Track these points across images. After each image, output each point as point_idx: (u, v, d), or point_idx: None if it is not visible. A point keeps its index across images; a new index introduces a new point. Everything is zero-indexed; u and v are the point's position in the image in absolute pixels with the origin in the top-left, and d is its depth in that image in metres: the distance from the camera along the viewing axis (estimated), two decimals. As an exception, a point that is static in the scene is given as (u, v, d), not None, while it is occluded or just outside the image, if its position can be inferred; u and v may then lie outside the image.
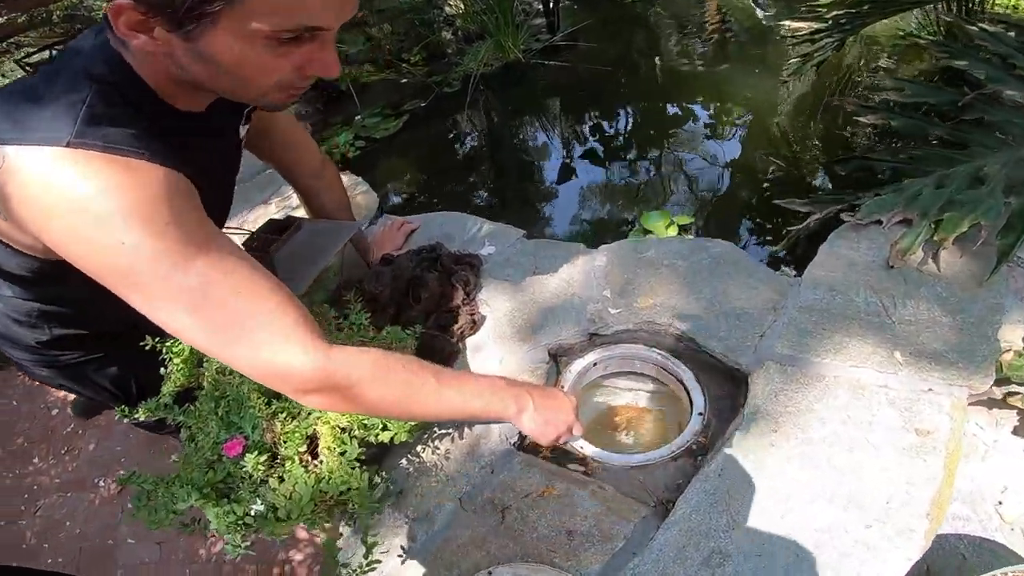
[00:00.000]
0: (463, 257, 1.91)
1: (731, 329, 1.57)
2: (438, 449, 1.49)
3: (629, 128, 3.39)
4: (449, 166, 3.32)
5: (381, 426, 1.26)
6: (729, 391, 1.55)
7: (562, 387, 1.63)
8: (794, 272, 2.04)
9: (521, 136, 3.45)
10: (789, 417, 1.34)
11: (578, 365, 1.68)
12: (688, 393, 1.59)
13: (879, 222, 1.64)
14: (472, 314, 1.74)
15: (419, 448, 1.50)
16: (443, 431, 1.52)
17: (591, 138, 3.35)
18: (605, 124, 3.41)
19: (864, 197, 1.79)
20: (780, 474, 1.25)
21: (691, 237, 2.60)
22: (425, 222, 2.10)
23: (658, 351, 1.68)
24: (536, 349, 1.65)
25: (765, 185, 2.76)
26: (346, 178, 2.57)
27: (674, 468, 1.41)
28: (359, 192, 2.41)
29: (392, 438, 1.26)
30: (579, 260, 1.90)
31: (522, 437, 1.51)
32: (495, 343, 1.70)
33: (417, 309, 1.72)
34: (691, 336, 1.58)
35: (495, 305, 1.80)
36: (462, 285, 1.78)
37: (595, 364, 1.73)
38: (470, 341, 1.72)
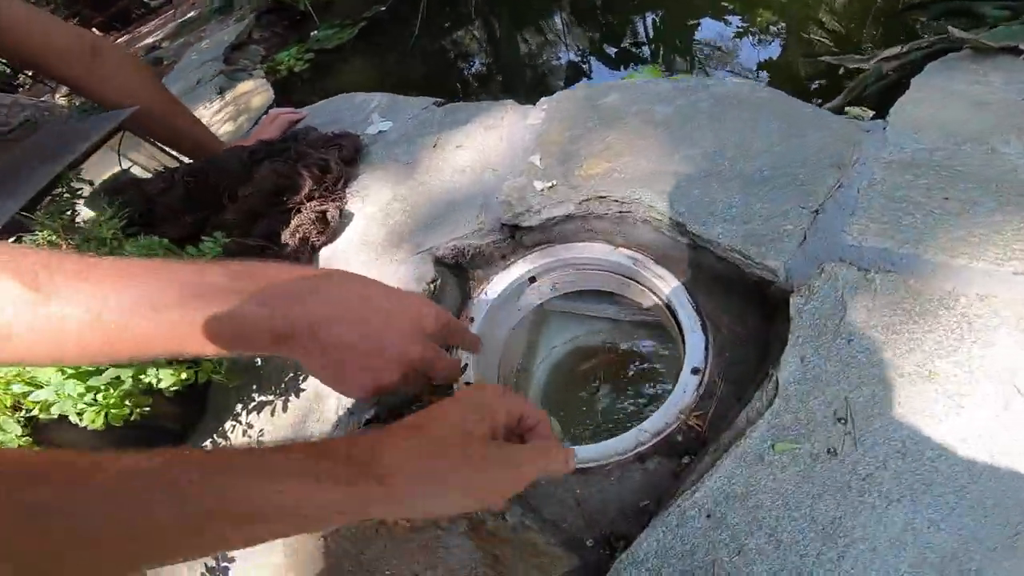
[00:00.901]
0: (331, 139, 1.20)
1: (753, 205, 0.82)
2: (251, 428, 0.86)
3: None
4: (406, 72, 2.57)
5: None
6: (752, 326, 0.82)
7: (469, 318, 0.94)
8: (871, 114, 1.20)
9: (489, 34, 2.54)
10: (883, 389, 0.62)
11: (499, 284, 0.97)
12: (679, 330, 0.87)
13: (1016, 50, 0.98)
14: (321, 211, 1.03)
15: (227, 426, 0.87)
16: (264, 398, 0.87)
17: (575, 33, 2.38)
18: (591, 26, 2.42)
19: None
20: (871, 538, 0.56)
21: (681, 76, 1.74)
22: (315, 110, 1.43)
23: (626, 251, 0.95)
24: (416, 258, 0.94)
25: (807, 39, 1.81)
26: (251, 83, 2.03)
27: (639, 477, 0.73)
28: (257, 93, 1.93)
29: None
30: (504, 122, 1.13)
31: (388, 414, 0.85)
32: (358, 252, 0.99)
33: (233, 211, 1.03)
34: (678, 219, 0.84)
35: (372, 197, 1.08)
36: (311, 174, 1.06)
37: (531, 280, 1.02)
38: (325, 252, 1.03)
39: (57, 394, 0.67)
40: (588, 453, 0.75)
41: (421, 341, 0.50)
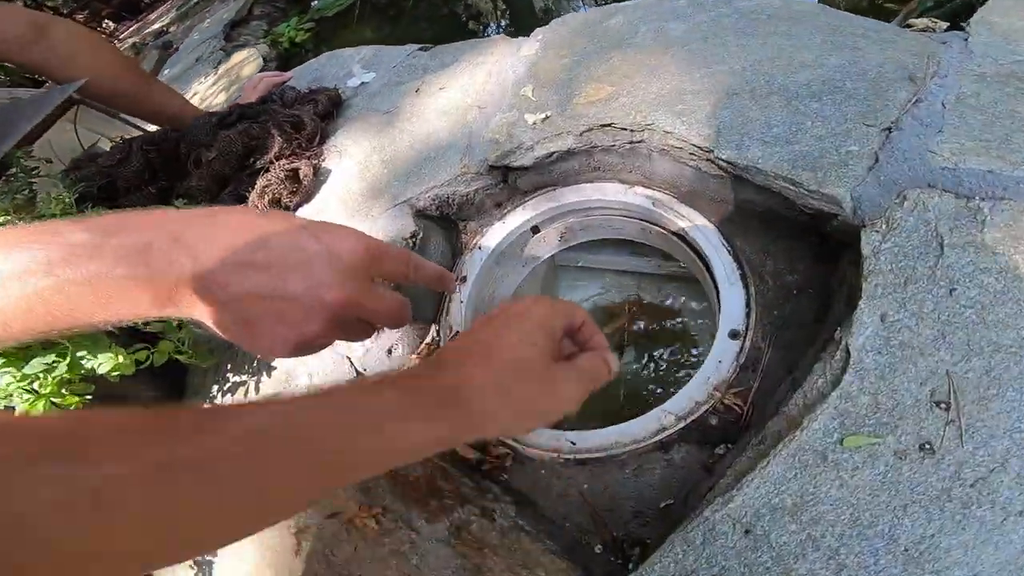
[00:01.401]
0: (307, 95, 1.06)
1: (802, 123, 0.61)
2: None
3: None
4: (410, 35, 2.33)
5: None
6: (807, 273, 0.63)
7: (461, 277, 0.79)
8: (945, 25, 0.91)
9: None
10: (1004, 360, 0.43)
11: (494, 236, 0.81)
12: (713, 282, 0.69)
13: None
14: (292, 169, 0.89)
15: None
16: (237, 379, 0.77)
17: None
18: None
19: None
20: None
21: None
22: (300, 71, 1.27)
23: (643, 190, 0.76)
24: (394, 211, 0.79)
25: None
26: (243, 53, 1.94)
27: (660, 470, 0.58)
28: (248, 62, 1.82)
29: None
30: (493, 56, 0.93)
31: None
32: (335, 210, 0.85)
33: (198, 177, 0.91)
34: (703, 144, 0.64)
35: (350, 151, 0.93)
36: (281, 132, 0.92)
37: (534, 231, 0.85)
38: (300, 213, 0.89)
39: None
40: (598, 439, 0.61)
41: (341, 281, 0.39)
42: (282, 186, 0.87)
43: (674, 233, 0.77)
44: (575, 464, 0.61)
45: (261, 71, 1.69)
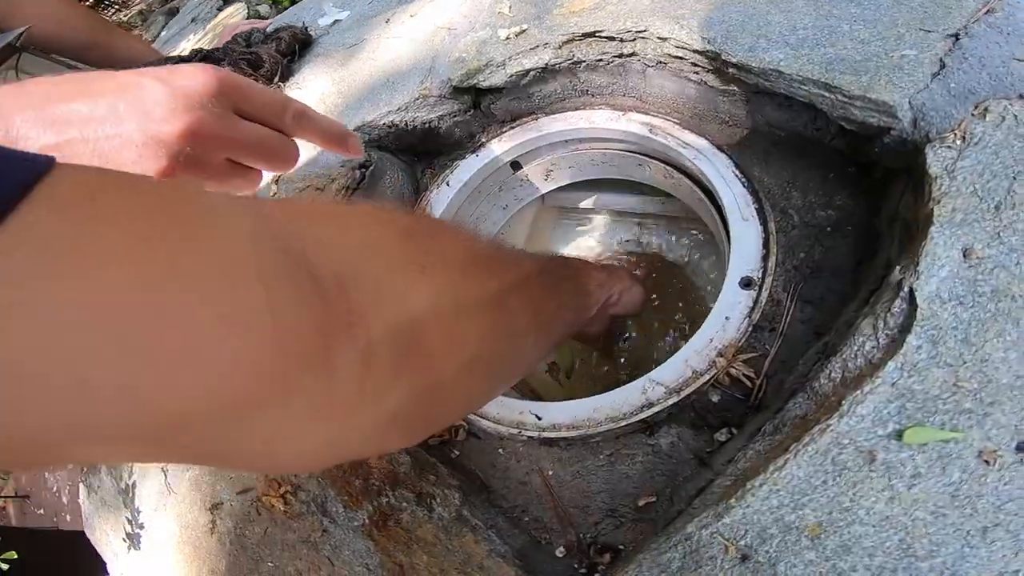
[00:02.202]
0: (271, 34, 0.92)
1: (838, 26, 0.44)
2: None
3: None
4: None
5: None
6: (846, 207, 0.46)
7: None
8: None
9: None
10: None
11: (464, 171, 0.67)
12: (722, 219, 0.54)
13: None
14: None
15: None
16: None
17: None
18: None
19: None
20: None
21: None
22: (280, 18, 1.13)
23: (639, 116, 0.60)
24: (341, 145, 0.65)
25: None
26: (230, 8, 1.77)
27: (642, 457, 0.44)
28: (233, 16, 1.69)
29: None
30: None
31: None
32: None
33: None
34: (709, 48, 0.47)
35: (311, 87, 0.79)
36: (236, 69, 0.81)
37: (515, 167, 0.71)
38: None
39: None
40: (568, 414, 0.47)
41: (185, 108, 0.31)
42: None
43: (676, 166, 0.61)
44: (540, 444, 0.48)
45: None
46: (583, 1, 0.60)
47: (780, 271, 0.44)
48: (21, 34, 0.89)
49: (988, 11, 0.43)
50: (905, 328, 0.29)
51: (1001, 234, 0.31)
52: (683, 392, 0.43)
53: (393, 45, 0.73)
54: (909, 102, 0.40)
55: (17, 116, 0.30)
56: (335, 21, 0.95)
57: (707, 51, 0.48)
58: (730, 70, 0.48)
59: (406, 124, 0.64)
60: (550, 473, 0.46)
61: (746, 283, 0.45)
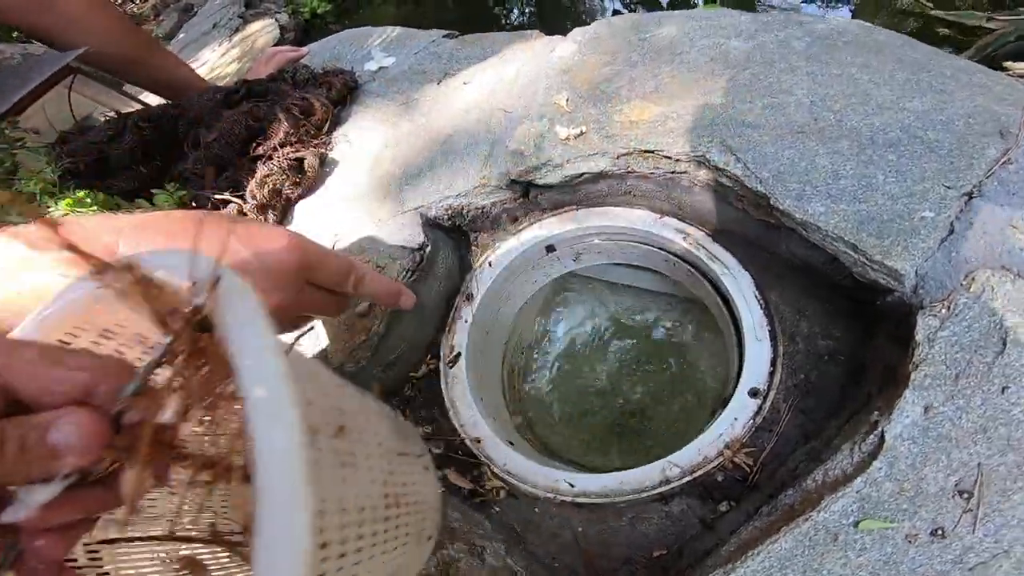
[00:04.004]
0: (320, 77, 1.06)
1: (874, 176, 0.61)
2: None
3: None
4: (442, 13, 2.40)
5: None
6: (843, 341, 0.64)
7: (468, 294, 0.80)
8: None
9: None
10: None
11: (506, 252, 0.83)
12: (737, 335, 0.71)
13: None
14: (297, 158, 0.90)
15: None
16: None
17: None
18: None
19: None
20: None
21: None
22: (318, 48, 1.27)
23: (674, 222, 0.78)
24: (403, 218, 0.80)
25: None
26: (259, 23, 1.97)
27: (658, 520, 0.59)
28: (264, 33, 1.85)
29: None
30: (525, 53, 0.94)
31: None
32: (337, 208, 0.86)
33: (195, 159, 0.92)
34: (759, 188, 0.65)
35: (361, 142, 0.94)
36: (289, 115, 0.93)
37: (549, 250, 0.87)
38: (302, 206, 0.90)
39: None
40: (599, 485, 0.62)
41: (273, 288, 0.45)
42: (284, 176, 0.88)
43: (702, 273, 0.79)
44: (572, 506, 0.63)
45: (276, 43, 1.69)
46: (644, 111, 0.76)
47: (782, 387, 0.61)
48: (77, 55, 1.00)
49: (1006, 162, 0.57)
50: (873, 455, 0.46)
51: (954, 397, 0.47)
52: (695, 473, 0.59)
53: (448, 115, 0.88)
54: (916, 271, 0.54)
55: (119, 238, 0.42)
56: (380, 68, 1.09)
57: (758, 192, 0.63)
58: (774, 212, 0.63)
59: (462, 208, 0.79)
60: (580, 529, 0.61)
61: (753, 393, 0.62)
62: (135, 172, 0.93)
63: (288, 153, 0.89)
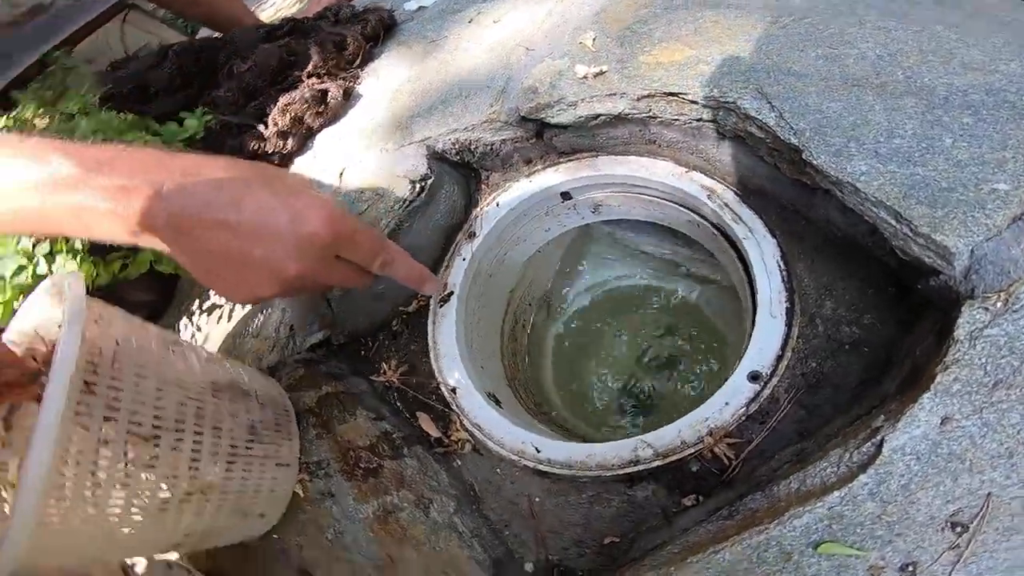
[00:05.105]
0: (359, 14, 1.04)
1: (940, 138, 0.49)
2: (199, 331, 0.79)
3: None
4: None
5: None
6: (872, 329, 0.53)
7: (470, 232, 0.76)
8: None
9: None
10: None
11: (515, 193, 0.77)
12: (752, 307, 0.62)
13: None
14: (321, 89, 0.89)
15: (182, 323, 0.82)
16: (216, 301, 0.79)
17: None
18: None
19: None
20: None
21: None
22: None
23: (701, 177, 0.69)
24: (408, 149, 0.76)
25: None
26: None
27: (618, 503, 0.54)
28: None
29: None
30: None
31: (347, 337, 0.74)
32: (354, 138, 0.84)
33: (227, 87, 0.93)
34: (792, 140, 0.54)
35: (387, 77, 0.91)
36: (322, 49, 0.93)
37: (565, 197, 0.80)
38: (324, 135, 0.89)
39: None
40: (564, 454, 0.58)
41: (300, 258, 0.47)
42: (307, 106, 0.87)
43: (724, 234, 0.70)
44: (534, 473, 0.59)
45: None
46: (673, 53, 0.67)
47: (788, 374, 0.53)
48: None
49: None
50: (863, 467, 0.38)
51: (984, 411, 0.38)
52: (669, 458, 0.53)
53: (472, 51, 0.83)
54: (972, 250, 0.43)
55: (177, 207, 0.44)
56: (420, 8, 1.05)
57: (789, 144, 0.54)
58: (807, 169, 0.53)
59: (470, 143, 0.74)
60: (537, 500, 0.57)
61: (754, 377, 0.54)
62: (172, 98, 0.96)
63: (314, 84, 0.89)
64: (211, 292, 0.80)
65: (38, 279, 0.64)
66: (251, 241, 0.45)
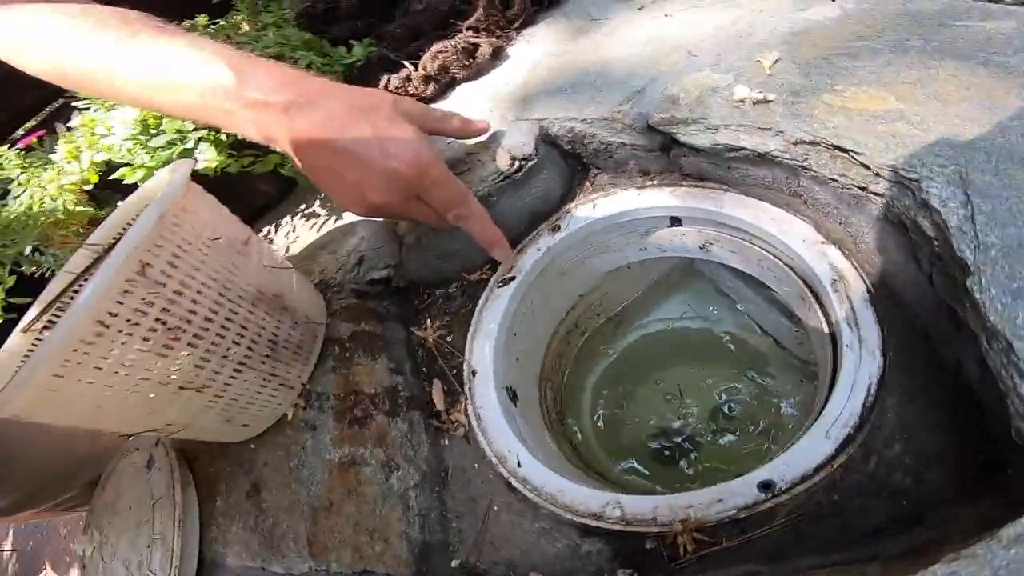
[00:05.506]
0: None
1: None
2: (293, 231, 0.88)
3: None
4: None
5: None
6: (928, 491, 0.43)
7: (554, 225, 0.74)
8: None
9: None
10: None
11: (617, 202, 0.73)
12: (826, 395, 0.53)
13: None
14: (473, 43, 0.92)
15: (284, 220, 0.92)
16: (316, 209, 0.88)
17: None
18: None
19: None
20: None
21: None
22: None
23: (839, 255, 0.59)
24: (521, 124, 0.76)
25: None
26: None
27: (559, 549, 0.51)
28: None
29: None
30: (759, 3, 0.75)
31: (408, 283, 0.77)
32: (482, 97, 0.86)
33: (399, 23, 1.00)
34: (963, 254, 0.43)
35: (538, 45, 0.91)
36: (488, 4, 0.94)
37: (674, 222, 0.75)
38: (465, 88, 0.92)
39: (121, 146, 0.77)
40: (541, 479, 0.56)
41: (383, 189, 0.56)
42: (455, 57, 0.91)
43: (830, 329, 0.60)
44: (506, 484, 0.58)
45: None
46: (870, 100, 0.57)
47: (803, 496, 0.46)
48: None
49: None
50: None
51: None
52: (632, 527, 0.50)
53: (627, 39, 0.80)
54: None
55: (298, 128, 0.54)
56: None
57: (959, 258, 0.42)
58: (964, 298, 0.42)
59: (584, 136, 0.72)
60: (495, 509, 0.56)
61: (765, 485, 0.48)
62: (354, 24, 1.04)
63: (469, 36, 0.92)
64: (316, 202, 0.88)
65: (183, 155, 0.76)
66: (346, 165, 0.55)
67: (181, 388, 0.53)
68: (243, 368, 0.57)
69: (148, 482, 0.67)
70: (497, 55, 0.93)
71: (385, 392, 0.65)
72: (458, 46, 0.92)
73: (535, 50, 0.89)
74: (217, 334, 0.54)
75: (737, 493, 0.48)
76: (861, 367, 0.52)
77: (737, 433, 0.80)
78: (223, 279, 0.55)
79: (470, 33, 0.93)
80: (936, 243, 0.46)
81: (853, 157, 0.54)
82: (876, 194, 0.53)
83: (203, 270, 0.53)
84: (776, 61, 0.65)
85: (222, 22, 0.99)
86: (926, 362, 0.50)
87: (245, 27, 0.99)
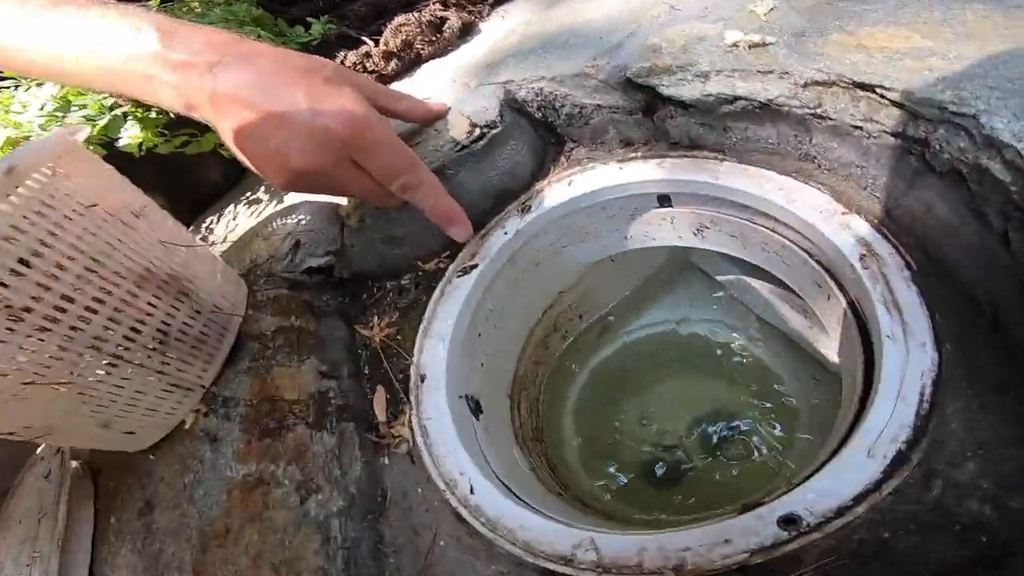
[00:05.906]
0: None
1: None
2: (234, 218, 0.77)
3: None
4: None
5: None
6: (996, 518, 0.31)
7: (524, 205, 0.63)
8: None
9: None
10: None
11: (594, 178, 0.62)
12: (854, 417, 0.41)
13: None
14: (439, 17, 0.83)
15: (228, 208, 0.81)
16: (260, 196, 0.77)
17: None
18: None
19: None
20: None
21: None
22: None
23: (864, 224, 0.47)
24: (485, 89, 0.65)
25: None
26: None
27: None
28: None
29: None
30: None
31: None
32: (448, 71, 0.76)
33: (363, 1, 0.94)
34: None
35: (512, 17, 0.82)
36: None
37: (662, 201, 0.64)
38: (432, 65, 0.82)
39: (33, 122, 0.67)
40: (493, 510, 0.44)
41: (310, 150, 0.47)
42: (420, 30, 0.83)
43: (859, 321, 0.48)
44: (455, 515, 0.46)
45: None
46: (891, 39, 0.47)
47: (839, 534, 0.33)
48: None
49: None
50: None
51: None
52: (600, 569, 0.36)
53: (607, 2, 0.68)
54: None
55: (222, 87, 0.46)
56: None
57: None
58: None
59: (554, 97, 0.62)
60: (441, 544, 0.44)
61: (787, 521, 0.35)
62: (315, 3, 0.96)
63: (434, 10, 0.83)
64: (261, 189, 0.78)
65: (106, 132, 0.66)
66: (271, 127, 0.46)
67: (28, 383, 0.41)
68: (120, 363, 0.45)
69: (39, 495, 0.55)
70: (468, 30, 0.83)
71: (312, 399, 0.52)
72: (423, 19, 0.82)
73: (511, 21, 0.80)
74: (80, 317, 0.42)
75: (750, 531, 0.35)
76: (909, 364, 0.40)
77: (745, 456, 0.68)
78: (93, 251, 0.43)
79: (438, 7, 0.84)
80: (1013, 189, 0.35)
81: (882, 95, 0.43)
82: (915, 140, 0.42)
83: (63, 238, 0.42)
84: (771, 9, 0.55)
85: (175, 3, 0.91)
86: (999, 354, 0.38)
87: (194, 3, 0.90)
